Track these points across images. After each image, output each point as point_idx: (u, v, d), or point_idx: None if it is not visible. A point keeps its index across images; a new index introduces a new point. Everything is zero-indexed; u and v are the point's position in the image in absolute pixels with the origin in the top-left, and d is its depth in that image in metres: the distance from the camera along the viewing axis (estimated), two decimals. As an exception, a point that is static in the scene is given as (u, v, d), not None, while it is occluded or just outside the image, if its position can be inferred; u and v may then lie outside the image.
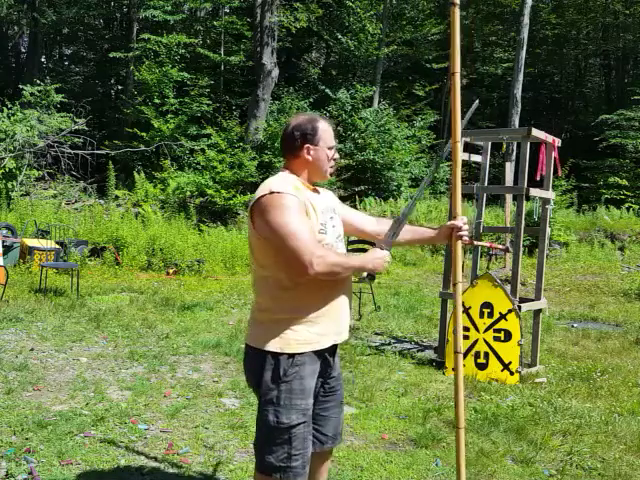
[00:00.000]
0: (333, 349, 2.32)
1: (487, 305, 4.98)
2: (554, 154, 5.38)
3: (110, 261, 9.88)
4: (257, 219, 2.12)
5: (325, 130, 2.27)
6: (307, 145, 2.24)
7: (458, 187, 2.38)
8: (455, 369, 2.33)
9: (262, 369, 2.17)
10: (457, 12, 2.30)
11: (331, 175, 2.38)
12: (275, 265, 2.14)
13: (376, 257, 2.20)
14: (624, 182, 18.87)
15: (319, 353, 2.22)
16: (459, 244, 2.35)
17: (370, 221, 2.54)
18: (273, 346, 2.14)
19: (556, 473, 3.26)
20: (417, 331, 6.80)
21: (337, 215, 2.35)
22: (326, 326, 2.20)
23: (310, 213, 2.15)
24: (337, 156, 2.33)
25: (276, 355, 2.14)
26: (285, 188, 2.12)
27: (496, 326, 4.95)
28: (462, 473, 2.32)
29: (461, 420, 2.32)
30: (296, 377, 2.14)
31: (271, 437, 2.15)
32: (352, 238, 7.63)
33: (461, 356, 2.34)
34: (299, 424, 2.15)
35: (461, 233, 2.33)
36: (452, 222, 2.35)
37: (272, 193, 2.09)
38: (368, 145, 17.00)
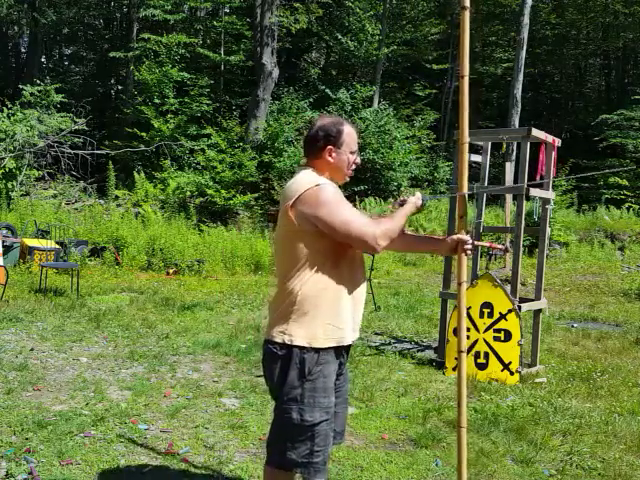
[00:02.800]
0: (348, 347, 2.35)
1: (487, 305, 4.98)
2: (554, 154, 5.38)
3: (110, 261, 9.88)
4: (303, 211, 2.14)
5: (349, 134, 2.30)
6: (329, 147, 2.27)
7: (464, 188, 2.36)
8: (458, 368, 2.33)
9: (287, 367, 2.18)
10: (467, 15, 2.29)
11: (350, 178, 2.40)
12: (313, 256, 2.17)
13: (412, 200, 2.37)
14: (624, 182, 18.86)
15: (339, 351, 2.26)
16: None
17: None
18: (300, 340, 2.16)
19: (556, 473, 3.26)
20: (417, 331, 6.80)
21: None
22: (347, 322, 2.24)
23: None
24: (359, 161, 2.36)
25: (302, 351, 2.16)
26: (326, 181, 2.19)
27: (496, 326, 4.95)
28: (463, 473, 2.32)
29: (463, 419, 2.32)
30: (320, 376, 2.17)
31: (294, 434, 2.17)
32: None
33: (465, 355, 2.35)
34: (322, 422, 2.18)
35: (466, 247, 2.35)
36: (459, 236, 2.36)
37: (318, 185, 2.15)
38: (368, 145, 16.99)
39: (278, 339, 2.21)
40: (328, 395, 2.20)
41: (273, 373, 2.24)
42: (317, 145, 2.27)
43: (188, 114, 16.45)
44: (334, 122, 2.30)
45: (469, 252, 2.36)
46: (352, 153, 2.31)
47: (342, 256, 2.22)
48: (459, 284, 2.36)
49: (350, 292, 2.24)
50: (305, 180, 2.19)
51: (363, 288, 2.33)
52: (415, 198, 2.40)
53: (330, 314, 2.19)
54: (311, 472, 2.18)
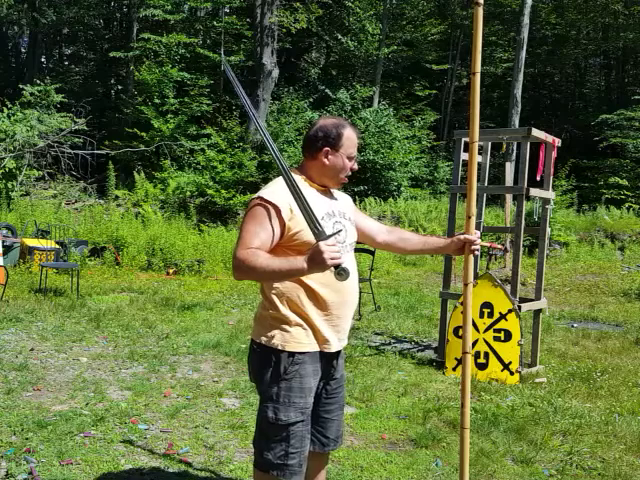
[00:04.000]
0: (336, 352, 2.31)
1: (487, 305, 4.98)
2: (554, 154, 5.38)
3: (110, 261, 9.88)
4: None
5: (349, 138, 2.22)
6: (327, 148, 2.20)
7: (473, 189, 2.33)
8: (463, 370, 2.32)
9: (263, 365, 2.19)
10: (480, 12, 2.22)
11: (348, 179, 2.32)
12: None
13: (314, 253, 1.92)
14: (624, 182, 18.86)
15: (321, 354, 2.23)
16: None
17: (382, 230, 2.51)
18: (275, 343, 2.16)
19: (556, 473, 3.26)
20: (417, 331, 6.79)
21: (349, 221, 2.30)
22: (327, 332, 2.20)
23: (297, 217, 2.08)
24: (355, 167, 2.28)
25: (277, 352, 2.15)
26: (271, 194, 2.11)
27: (496, 326, 4.95)
28: (465, 473, 2.32)
29: (466, 420, 2.32)
30: (296, 375, 2.15)
31: (269, 434, 2.17)
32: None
33: (469, 356, 2.34)
34: (297, 422, 2.16)
35: (474, 247, 2.33)
36: (466, 236, 2.33)
37: (259, 197, 2.12)
38: (368, 145, 16.99)
39: (257, 339, 2.22)
40: (305, 396, 2.17)
41: (253, 370, 2.26)
42: (315, 145, 2.20)
43: (188, 114, 16.45)
44: (335, 124, 2.22)
45: (476, 252, 2.36)
46: (349, 158, 2.23)
47: None
48: (465, 285, 2.33)
49: (331, 300, 2.16)
50: (261, 190, 2.17)
51: (350, 295, 2.24)
52: (323, 250, 1.89)
53: (303, 320, 2.16)
54: (287, 474, 2.16)
